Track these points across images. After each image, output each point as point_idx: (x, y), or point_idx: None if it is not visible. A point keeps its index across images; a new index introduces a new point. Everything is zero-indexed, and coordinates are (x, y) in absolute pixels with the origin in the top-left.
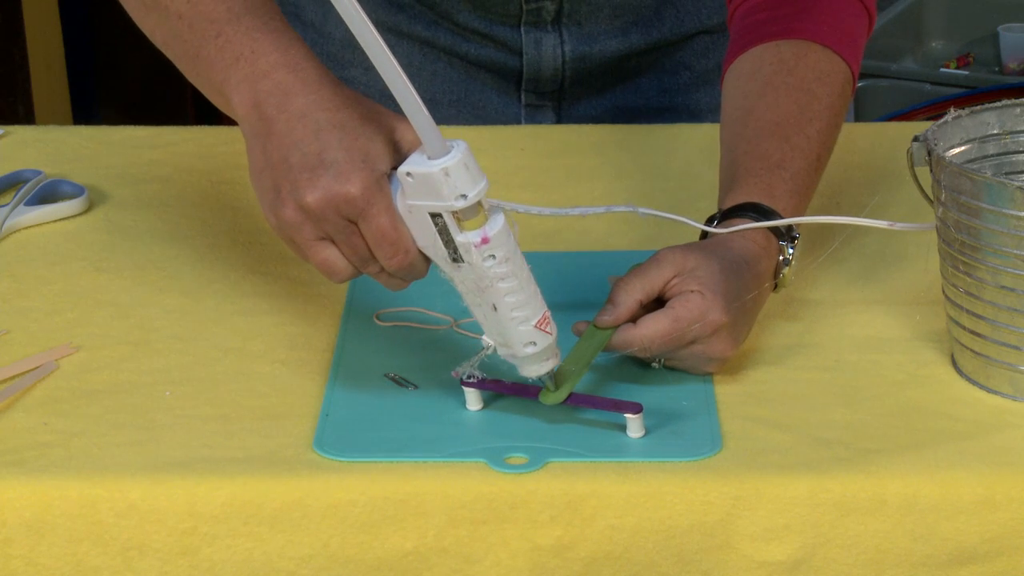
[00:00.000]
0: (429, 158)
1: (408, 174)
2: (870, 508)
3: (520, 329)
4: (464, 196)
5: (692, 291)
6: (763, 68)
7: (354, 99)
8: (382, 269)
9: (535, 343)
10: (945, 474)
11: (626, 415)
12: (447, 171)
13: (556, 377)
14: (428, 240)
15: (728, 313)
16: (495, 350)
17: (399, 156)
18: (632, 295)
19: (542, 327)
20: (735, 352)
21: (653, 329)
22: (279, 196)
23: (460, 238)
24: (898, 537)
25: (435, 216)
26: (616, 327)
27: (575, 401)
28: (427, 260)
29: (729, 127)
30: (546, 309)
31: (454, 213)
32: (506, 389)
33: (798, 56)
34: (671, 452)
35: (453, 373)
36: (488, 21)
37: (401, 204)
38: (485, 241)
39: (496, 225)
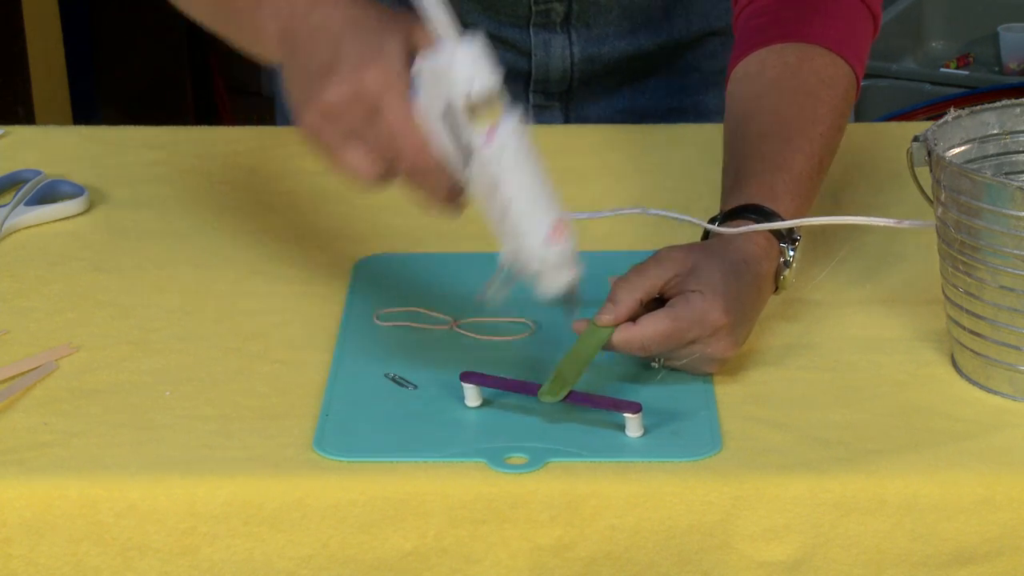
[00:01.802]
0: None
1: (421, 69)
2: (870, 508)
3: (532, 234)
4: (474, 87)
5: (692, 291)
6: (767, 71)
7: (372, 6)
8: (408, 177)
9: (550, 249)
10: (945, 474)
11: (625, 415)
12: (458, 60)
13: (555, 377)
14: (444, 141)
15: (728, 314)
16: (513, 267)
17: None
18: (632, 294)
19: (557, 233)
20: (735, 353)
21: (653, 328)
22: (303, 105)
23: (470, 132)
24: (898, 537)
25: (447, 110)
26: (616, 326)
27: (574, 399)
28: (457, 180)
29: (732, 129)
30: (563, 215)
31: (465, 105)
32: (506, 386)
33: (802, 59)
34: (671, 452)
35: (477, 297)
36: (497, 22)
37: (419, 107)
38: (493, 136)
39: (507, 123)
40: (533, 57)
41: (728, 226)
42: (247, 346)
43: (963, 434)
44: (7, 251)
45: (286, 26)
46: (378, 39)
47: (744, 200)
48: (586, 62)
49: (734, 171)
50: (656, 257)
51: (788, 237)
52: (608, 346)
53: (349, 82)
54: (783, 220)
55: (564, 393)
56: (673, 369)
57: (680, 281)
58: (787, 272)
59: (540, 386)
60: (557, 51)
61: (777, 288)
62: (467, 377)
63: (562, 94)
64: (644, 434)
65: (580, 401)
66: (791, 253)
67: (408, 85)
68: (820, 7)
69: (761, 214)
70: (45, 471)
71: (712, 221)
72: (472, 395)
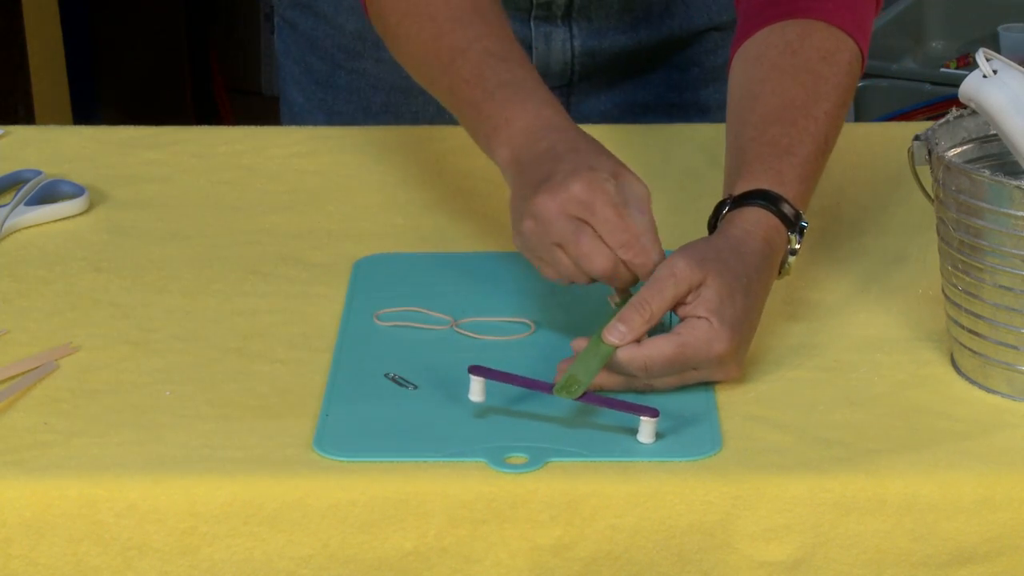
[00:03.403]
0: None
1: None
2: (870, 508)
3: None
4: None
5: (700, 317)
6: (768, 51)
7: (592, 140)
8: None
9: None
10: (945, 474)
11: (641, 418)
12: None
13: (568, 377)
14: None
15: (733, 342)
16: None
17: (620, 186)
18: (647, 322)
19: None
20: (738, 375)
21: (657, 352)
22: (518, 217)
23: None
24: (898, 537)
25: None
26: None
27: (589, 400)
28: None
29: (735, 113)
30: None
31: None
32: (516, 382)
33: (802, 36)
34: (671, 452)
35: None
36: None
37: None
38: None
39: None
40: (534, 50)
41: (736, 213)
42: (247, 346)
43: (963, 434)
44: (7, 251)
45: (518, 155)
46: (590, 158)
47: (752, 185)
48: (587, 55)
49: (739, 155)
50: (671, 271)
51: (796, 225)
52: (611, 365)
53: (558, 192)
54: (791, 205)
55: (580, 392)
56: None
57: (691, 304)
58: (791, 259)
59: (551, 384)
60: (558, 44)
61: (780, 274)
62: (476, 370)
63: (563, 88)
64: (656, 440)
65: (596, 402)
66: (798, 243)
67: (615, 196)
68: None
69: (769, 199)
70: (45, 471)
71: (721, 206)
72: (477, 389)
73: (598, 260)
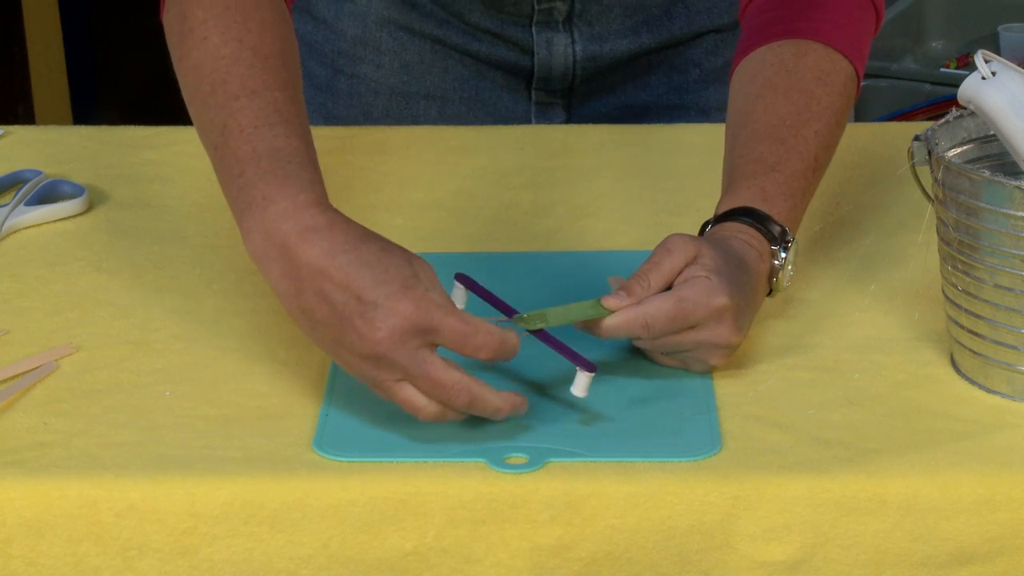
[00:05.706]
0: None
1: None
2: (870, 508)
3: None
4: None
5: (698, 276)
6: (764, 70)
7: (367, 235)
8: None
9: None
10: (945, 474)
11: (578, 368)
12: None
13: (537, 313)
14: None
15: (733, 298)
16: None
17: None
18: (647, 292)
19: None
20: (740, 340)
21: (657, 308)
22: (344, 349)
23: None
24: (898, 537)
25: None
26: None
27: (543, 338)
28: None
29: (730, 130)
30: None
31: None
32: (495, 303)
33: (798, 56)
34: (671, 452)
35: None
36: (499, 21)
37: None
38: None
39: None
40: (535, 55)
41: (719, 227)
42: (247, 346)
43: (963, 434)
44: (7, 251)
45: (270, 254)
46: (394, 273)
47: (736, 203)
48: (588, 60)
49: (729, 173)
50: (666, 248)
51: (780, 239)
52: (611, 330)
53: (391, 323)
54: (776, 222)
55: (537, 327)
56: (675, 367)
57: (689, 270)
58: (780, 274)
59: (517, 313)
60: (559, 49)
61: (771, 291)
62: (461, 279)
63: (564, 91)
64: (586, 397)
65: (546, 341)
66: (783, 255)
67: (440, 295)
68: (820, 1)
69: (754, 216)
70: (45, 471)
71: (705, 226)
72: (459, 296)
73: (423, 406)
